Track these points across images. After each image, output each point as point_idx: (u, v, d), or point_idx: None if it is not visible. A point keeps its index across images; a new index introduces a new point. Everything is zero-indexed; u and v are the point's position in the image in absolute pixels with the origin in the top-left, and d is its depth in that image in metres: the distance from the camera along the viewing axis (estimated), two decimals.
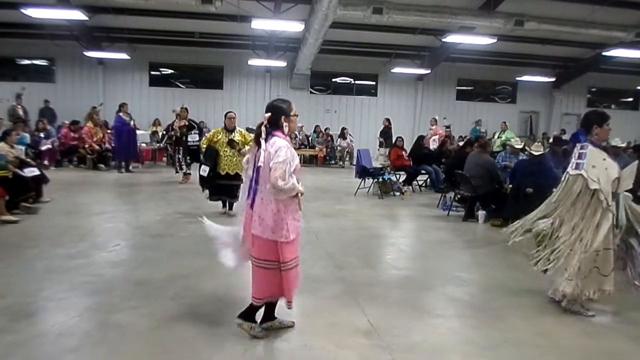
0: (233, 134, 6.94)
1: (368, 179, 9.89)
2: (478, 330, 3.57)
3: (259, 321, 3.35)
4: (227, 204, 7.19)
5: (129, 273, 4.51)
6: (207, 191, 7.24)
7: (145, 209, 7.70)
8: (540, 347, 3.32)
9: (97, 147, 12.38)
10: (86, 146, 12.32)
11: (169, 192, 9.08)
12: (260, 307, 3.32)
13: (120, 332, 3.27)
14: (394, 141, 11.20)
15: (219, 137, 6.97)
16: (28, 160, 8.42)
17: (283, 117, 3.20)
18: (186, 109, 10.60)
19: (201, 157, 7.34)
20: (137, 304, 3.74)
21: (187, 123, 10.32)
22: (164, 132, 10.51)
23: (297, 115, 3.34)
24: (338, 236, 6.33)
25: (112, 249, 5.27)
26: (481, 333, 3.52)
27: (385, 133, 14.82)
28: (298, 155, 14.82)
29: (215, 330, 3.35)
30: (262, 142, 3.12)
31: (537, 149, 7.15)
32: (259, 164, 3.13)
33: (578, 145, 3.93)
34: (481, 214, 7.55)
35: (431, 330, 3.53)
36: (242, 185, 6.92)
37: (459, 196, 8.24)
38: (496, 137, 13.39)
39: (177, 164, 10.45)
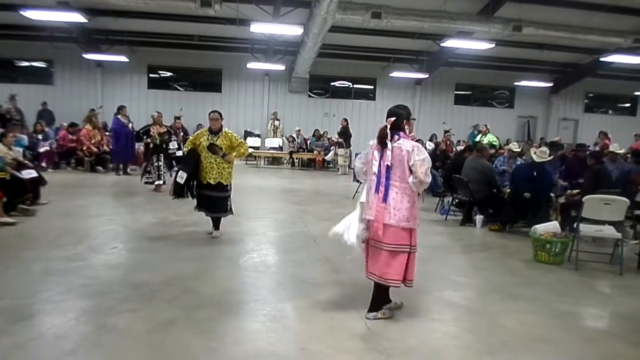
0: (217, 136, 5.94)
1: None
2: (475, 335, 3.57)
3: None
4: (213, 222, 6.11)
5: (126, 276, 4.50)
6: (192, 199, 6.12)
7: (142, 211, 7.68)
8: (538, 352, 3.32)
9: (95, 150, 12.36)
10: (84, 148, 12.31)
11: (166, 195, 9.02)
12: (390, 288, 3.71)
13: (117, 335, 3.26)
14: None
15: (200, 140, 5.97)
16: (26, 162, 8.42)
17: (405, 120, 3.64)
18: (161, 114, 10.09)
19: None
20: (135, 307, 3.73)
21: (165, 129, 9.78)
22: (140, 132, 9.71)
23: (414, 119, 3.65)
24: (336, 240, 6.29)
25: (109, 252, 5.26)
26: (478, 337, 3.52)
27: (345, 134, 14.86)
28: (296, 158, 14.83)
29: (213, 334, 3.35)
30: (388, 142, 3.51)
31: (541, 156, 7.00)
32: (387, 162, 3.51)
33: None
34: (479, 218, 7.56)
35: (428, 335, 3.53)
36: (227, 195, 5.98)
37: (456, 200, 8.26)
38: (477, 140, 13.34)
39: (156, 172, 9.43)
